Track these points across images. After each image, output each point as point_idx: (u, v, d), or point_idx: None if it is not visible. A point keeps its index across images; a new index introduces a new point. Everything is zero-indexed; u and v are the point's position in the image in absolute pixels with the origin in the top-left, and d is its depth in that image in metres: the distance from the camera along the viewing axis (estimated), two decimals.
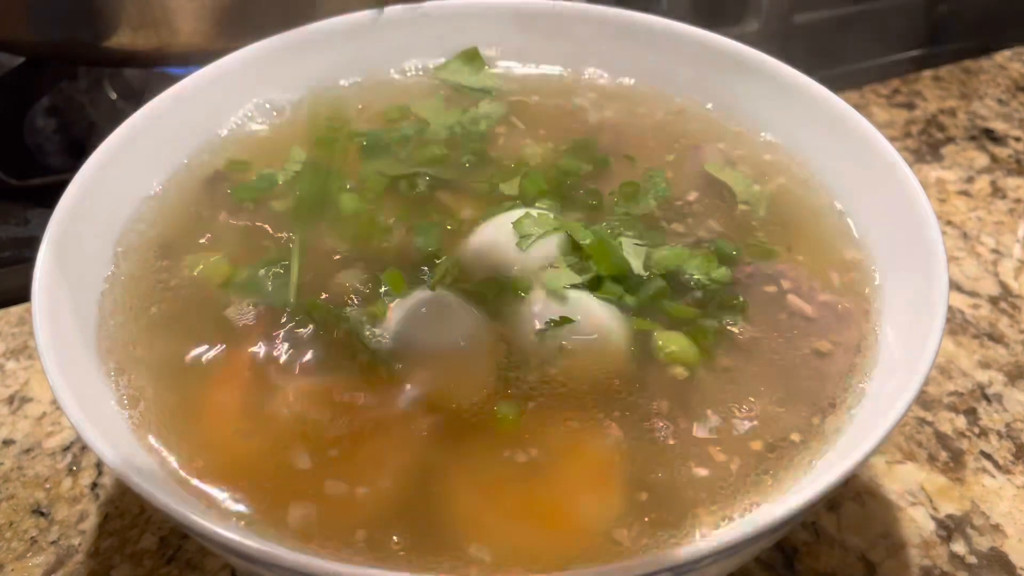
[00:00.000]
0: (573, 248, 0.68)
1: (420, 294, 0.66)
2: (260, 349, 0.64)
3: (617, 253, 0.67)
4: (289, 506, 0.57)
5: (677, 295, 0.68)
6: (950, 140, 1.15)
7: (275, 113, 0.83)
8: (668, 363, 0.64)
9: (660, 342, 0.64)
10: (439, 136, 0.81)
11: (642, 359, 0.64)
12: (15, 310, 0.89)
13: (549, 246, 0.68)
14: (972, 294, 0.93)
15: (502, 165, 0.79)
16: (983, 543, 0.72)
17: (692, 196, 0.76)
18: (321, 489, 0.57)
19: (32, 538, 0.71)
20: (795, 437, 0.60)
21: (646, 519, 0.56)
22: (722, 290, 0.67)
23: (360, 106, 0.85)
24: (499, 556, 0.54)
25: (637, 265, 0.68)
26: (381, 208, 0.74)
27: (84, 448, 0.78)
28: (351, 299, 0.67)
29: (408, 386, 0.62)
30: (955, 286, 0.94)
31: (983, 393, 0.84)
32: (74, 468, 0.76)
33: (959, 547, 0.72)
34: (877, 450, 0.57)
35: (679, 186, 0.77)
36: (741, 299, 0.67)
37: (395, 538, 0.55)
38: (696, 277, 0.68)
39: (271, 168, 0.77)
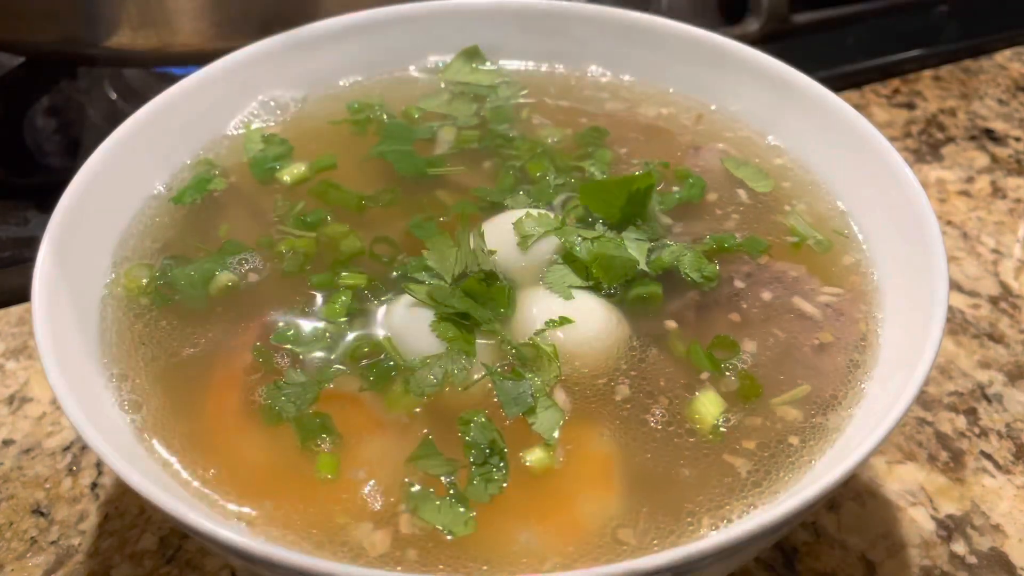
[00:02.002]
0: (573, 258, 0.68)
1: (405, 299, 0.66)
2: (263, 352, 0.64)
3: (621, 260, 0.67)
4: (289, 506, 0.57)
5: (674, 292, 0.68)
6: (950, 140, 1.15)
7: (279, 111, 0.83)
8: (676, 359, 0.64)
9: (697, 405, 0.62)
10: (470, 123, 0.83)
11: (643, 359, 0.64)
12: (15, 310, 0.89)
13: (551, 244, 0.69)
14: (972, 294, 0.93)
15: (521, 148, 0.80)
16: (983, 543, 0.72)
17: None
18: (321, 489, 0.58)
19: (32, 538, 0.71)
20: (795, 437, 0.60)
21: (647, 519, 0.56)
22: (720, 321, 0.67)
23: (360, 105, 0.85)
24: (502, 556, 0.54)
25: (642, 260, 0.68)
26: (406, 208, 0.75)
27: (84, 448, 0.77)
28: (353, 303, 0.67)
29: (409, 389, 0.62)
30: (955, 286, 0.94)
31: (983, 393, 0.84)
32: (74, 468, 0.76)
33: (959, 547, 0.72)
34: (877, 450, 0.57)
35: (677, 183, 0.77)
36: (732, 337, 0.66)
37: (397, 539, 0.55)
38: (689, 276, 0.68)
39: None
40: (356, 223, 0.73)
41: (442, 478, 0.57)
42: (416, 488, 0.57)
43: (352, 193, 0.75)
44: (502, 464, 0.58)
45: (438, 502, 0.56)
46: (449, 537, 0.55)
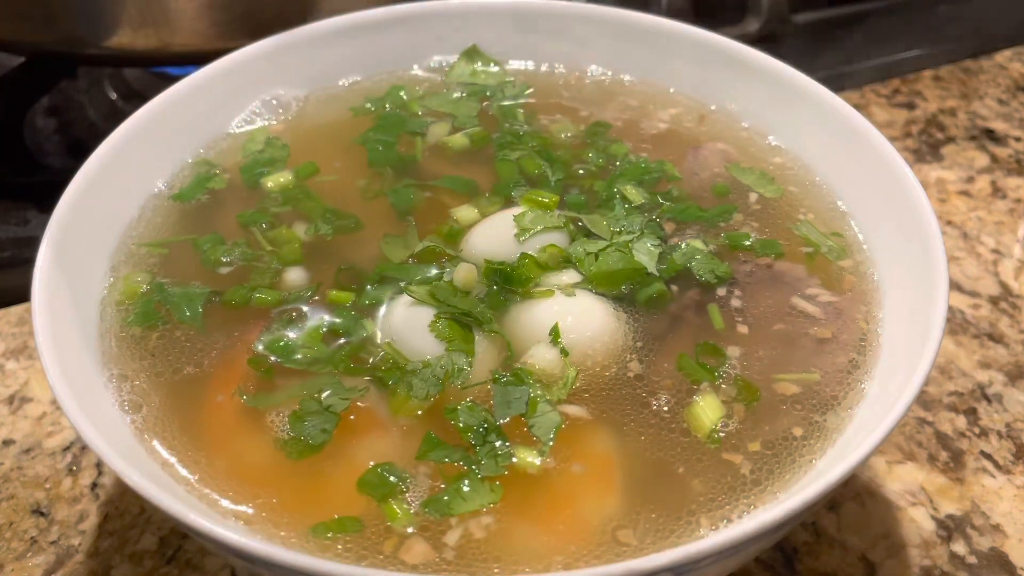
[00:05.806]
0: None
1: (404, 299, 0.66)
2: (262, 352, 0.64)
3: (625, 272, 0.67)
4: (287, 506, 0.57)
5: (680, 290, 0.68)
6: (950, 140, 1.15)
7: (281, 110, 0.83)
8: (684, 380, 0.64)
9: (697, 410, 0.61)
10: (473, 122, 0.83)
11: (643, 357, 0.64)
12: (15, 310, 0.89)
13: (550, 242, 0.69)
14: (972, 294, 0.93)
15: (522, 147, 0.80)
16: (983, 543, 0.72)
17: (697, 195, 0.76)
18: (319, 489, 0.58)
19: (32, 538, 0.71)
20: (796, 434, 0.60)
21: (647, 519, 0.56)
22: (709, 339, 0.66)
23: (368, 104, 0.85)
24: (509, 555, 0.54)
25: (652, 265, 0.68)
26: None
27: (84, 448, 0.77)
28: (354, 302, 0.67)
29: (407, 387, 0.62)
30: (955, 286, 0.94)
31: (983, 393, 0.84)
32: (74, 468, 0.76)
33: (959, 547, 0.72)
34: (877, 450, 0.57)
35: (682, 185, 0.77)
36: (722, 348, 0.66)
37: (400, 539, 0.55)
38: (703, 277, 0.68)
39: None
40: (349, 226, 0.74)
41: (457, 463, 0.58)
42: (428, 494, 0.57)
43: (321, 205, 0.75)
44: (503, 441, 0.58)
45: (447, 497, 0.56)
46: (487, 508, 0.55)
